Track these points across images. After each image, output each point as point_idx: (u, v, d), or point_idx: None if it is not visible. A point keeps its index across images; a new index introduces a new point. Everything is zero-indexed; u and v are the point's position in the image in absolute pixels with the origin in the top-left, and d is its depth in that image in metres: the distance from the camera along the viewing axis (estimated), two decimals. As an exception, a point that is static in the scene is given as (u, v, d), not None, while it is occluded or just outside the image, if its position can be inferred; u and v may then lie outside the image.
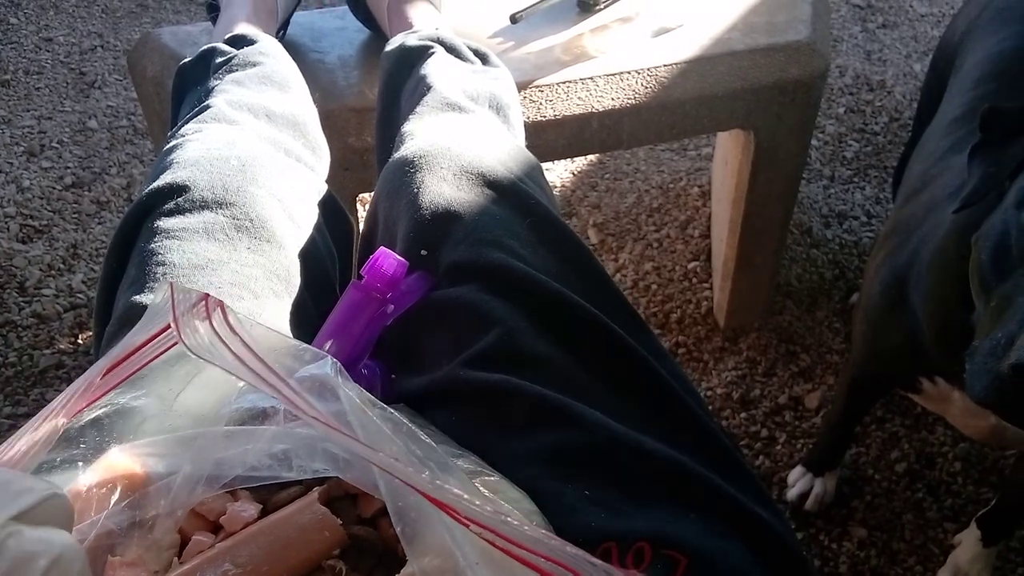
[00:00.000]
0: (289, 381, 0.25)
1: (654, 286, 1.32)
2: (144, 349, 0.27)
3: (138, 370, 0.28)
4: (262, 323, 0.26)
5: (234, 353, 0.25)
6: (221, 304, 0.26)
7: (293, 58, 0.78)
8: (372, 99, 0.88)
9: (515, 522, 0.22)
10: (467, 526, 0.23)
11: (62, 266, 1.33)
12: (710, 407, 1.18)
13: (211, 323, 0.26)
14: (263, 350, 0.25)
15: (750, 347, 1.25)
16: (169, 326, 0.26)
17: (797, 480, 1.07)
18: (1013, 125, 0.65)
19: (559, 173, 1.52)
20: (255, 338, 0.26)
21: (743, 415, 1.17)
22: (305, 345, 0.27)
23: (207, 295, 0.26)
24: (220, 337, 0.25)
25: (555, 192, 1.49)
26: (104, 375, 0.30)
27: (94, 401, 0.30)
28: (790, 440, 1.14)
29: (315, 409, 0.25)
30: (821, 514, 1.07)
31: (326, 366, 0.27)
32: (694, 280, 1.33)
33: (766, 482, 1.11)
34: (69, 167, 1.49)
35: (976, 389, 0.56)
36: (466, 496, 0.22)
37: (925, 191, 0.82)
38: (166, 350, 0.27)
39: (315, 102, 0.77)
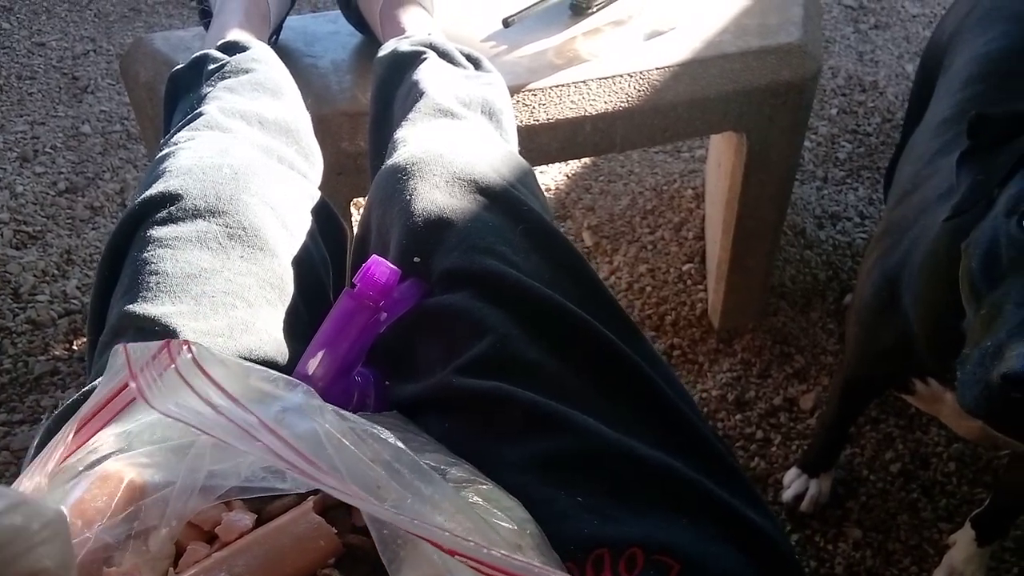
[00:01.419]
0: (265, 423, 0.25)
1: (648, 288, 1.33)
2: (112, 402, 0.27)
3: (110, 420, 0.28)
4: (228, 357, 0.26)
5: (202, 398, 0.25)
6: (187, 343, 0.26)
7: (286, 62, 0.78)
8: (365, 103, 0.89)
9: (498, 554, 0.22)
10: (452, 555, 0.23)
11: (56, 272, 1.33)
12: (705, 409, 1.18)
13: (176, 368, 0.26)
14: (234, 387, 0.25)
15: (744, 349, 1.25)
16: (125, 386, 0.26)
17: (792, 481, 1.08)
18: (1001, 131, 0.65)
19: (553, 176, 1.52)
20: (223, 376, 0.26)
21: (738, 417, 1.17)
22: (277, 374, 0.27)
23: (168, 342, 0.26)
24: (187, 382, 0.25)
25: (549, 195, 1.49)
26: (75, 433, 0.30)
27: (68, 456, 0.30)
28: (785, 441, 1.15)
29: (291, 460, 0.25)
30: (816, 515, 1.07)
31: (298, 395, 0.27)
32: (688, 282, 1.33)
33: (761, 484, 1.11)
34: (62, 172, 1.49)
35: (966, 399, 0.56)
36: (447, 530, 0.22)
37: (916, 193, 0.83)
38: (121, 410, 0.27)
39: (308, 107, 0.78)
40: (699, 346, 1.26)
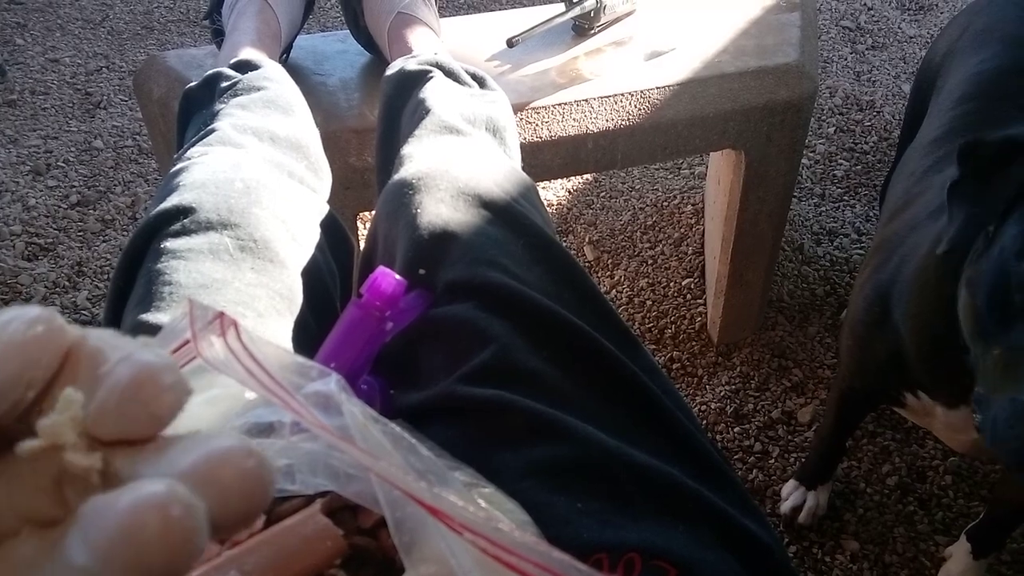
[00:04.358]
0: (296, 396, 0.27)
1: (649, 302, 1.34)
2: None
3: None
4: (271, 342, 0.28)
5: (246, 368, 0.27)
6: (235, 323, 0.28)
7: (296, 80, 0.81)
8: (372, 120, 0.91)
9: (506, 528, 0.23)
10: (460, 534, 0.24)
11: (67, 284, 1.35)
12: (704, 422, 1.19)
13: (225, 340, 0.27)
14: (272, 367, 0.27)
15: (743, 362, 1.27)
16: (186, 342, 0.28)
17: (790, 494, 1.09)
18: (993, 159, 0.62)
19: (555, 191, 1.55)
20: (265, 355, 0.27)
21: (737, 429, 1.18)
22: (311, 362, 0.29)
23: (222, 314, 0.28)
24: (233, 353, 0.27)
25: (552, 210, 1.51)
26: None
27: None
28: (783, 454, 1.16)
29: (321, 422, 0.26)
30: (814, 527, 1.08)
31: (331, 383, 0.29)
32: (688, 296, 1.35)
33: (759, 496, 1.12)
34: (75, 186, 1.51)
35: (1009, 457, 0.55)
36: (460, 503, 0.24)
37: (907, 210, 0.84)
38: (181, 367, 0.29)
39: (317, 123, 0.80)
40: (698, 359, 1.27)
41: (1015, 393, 0.55)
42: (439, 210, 0.56)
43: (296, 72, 1.01)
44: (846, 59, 1.86)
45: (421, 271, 0.53)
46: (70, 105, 1.68)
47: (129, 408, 0.18)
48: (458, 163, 0.61)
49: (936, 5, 2.03)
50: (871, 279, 0.82)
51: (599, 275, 1.39)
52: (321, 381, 0.28)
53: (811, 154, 1.61)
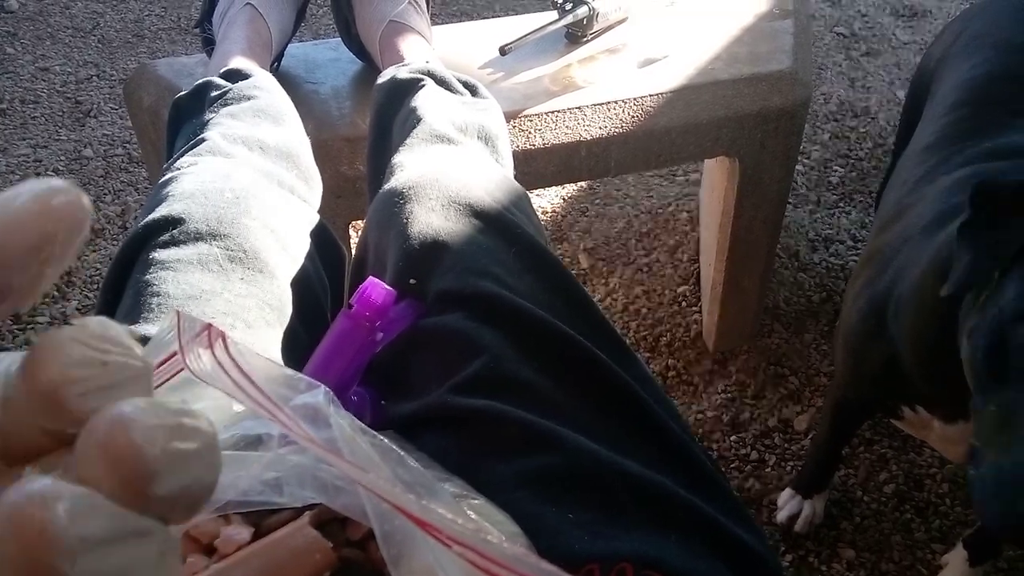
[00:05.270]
0: (284, 408, 0.27)
1: (644, 310, 1.34)
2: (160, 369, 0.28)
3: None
4: (260, 353, 0.28)
5: (234, 381, 0.26)
6: (223, 334, 0.27)
7: (288, 89, 0.80)
8: (364, 129, 0.90)
9: (495, 540, 0.23)
10: (449, 546, 0.24)
11: (56, 293, 1.34)
12: (700, 430, 1.19)
13: (213, 352, 0.27)
14: (260, 379, 0.26)
15: (739, 370, 1.26)
16: (174, 354, 0.27)
17: (787, 502, 1.08)
18: (1008, 202, 0.61)
19: (550, 199, 1.54)
20: (253, 367, 0.27)
21: (733, 438, 1.18)
22: (300, 375, 0.29)
23: (210, 325, 0.27)
24: (221, 365, 0.27)
25: (545, 217, 1.51)
26: None
27: None
28: (780, 462, 1.15)
29: (309, 434, 0.26)
30: (810, 536, 1.08)
31: (319, 395, 0.28)
32: (683, 304, 1.35)
33: (756, 504, 1.11)
34: (65, 195, 1.50)
35: (992, 520, 0.56)
36: (449, 516, 0.24)
37: (899, 220, 0.84)
38: (168, 379, 0.28)
39: (309, 132, 0.79)
40: (694, 367, 1.27)
41: (1004, 457, 0.56)
42: (430, 219, 0.55)
43: (288, 80, 1.00)
44: (840, 65, 1.86)
45: (412, 281, 0.53)
46: (60, 114, 1.68)
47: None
48: (449, 172, 0.60)
49: (930, 11, 2.04)
50: (865, 291, 0.82)
51: (594, 283, 1.39)
52: (309, 393, 0.28)
53: (806, 160, 1.61)
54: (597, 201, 1.54)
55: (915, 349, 0.73)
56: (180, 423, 0.17)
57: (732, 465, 1.15)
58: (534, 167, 1.01)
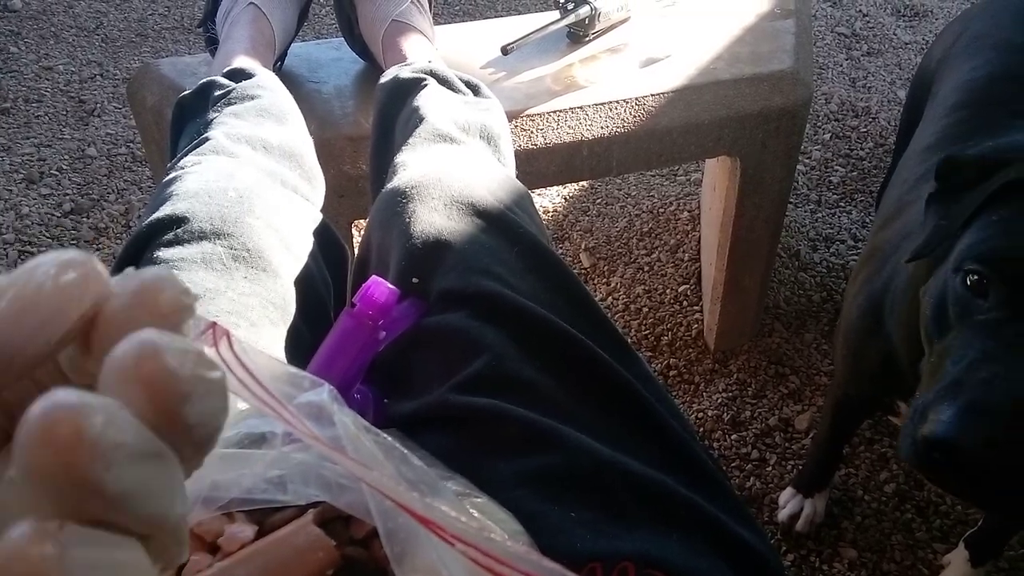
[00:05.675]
0: (288, 406, 0.27)
1: (645, 309, 1.34)
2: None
3: None
4: (263, 351, 0.28)
5: (238, 379, 0.27)
6: (227, 332, 0.27)
7: (291, 88, 0.81)
8: (367, 128, 0.91)
9: (498, 538, 0.23)
10: (452, 544, 0.24)
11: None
12: (701, 429, 1.19)
13: (217, 350, 0.27)
14: (264, 377, 0.27)
15: (740, 369, 1.26)
16: None
17: (787, 501, 1.08)
18: (968, 175, 0.65)
19: (551, 198, 1.55)
20: (258, 366, 0.27)
21: (734, 437, 1.18)
22: (304, 373, 0.29)
23: (214, 323, 0.27)
24: (226, 363, 0.27)
25: (547, 217, 1.51)
26: None
27: None
28: (780, 461, 1.16)
29: (313, 432, 0.26)
30: (812, 535, 1.08)
31: (323, 393, 0.28)
32: (684, 303, 1.35)
33: (757, 504, 1.12)
34: (68, 194, 1.51)
35: (902, 448, 0.58)
36: (452, 514, 0.24)
37: (899, 218, 0.84)
38: None
39: (312, 131, 0.80)
40: (695, 366, 1.27)
41: (925, 396, 0.57)
42: (432, 219, 0.56)
43: (291, 80, 1.01)
44: (841, 65, 1.86)
45: (414, 280, 0.53)
46: (64, 113, 1.68)
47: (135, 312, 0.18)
48: (452, 171, 0.61)
49: (931, 11, 2.04)
50: (864, 288, 0.82)
51: (595, 282, 1.39)
52: (313, 392, 0.28)
53: (807, 160, 1.62)
54: (599, 200, 1.54)
55: (908, 341, 0.74)
56: (203, 352, 0.17)
57: (733, 464, 1.15)
58: (536, 166, 1.01)
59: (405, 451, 0.29)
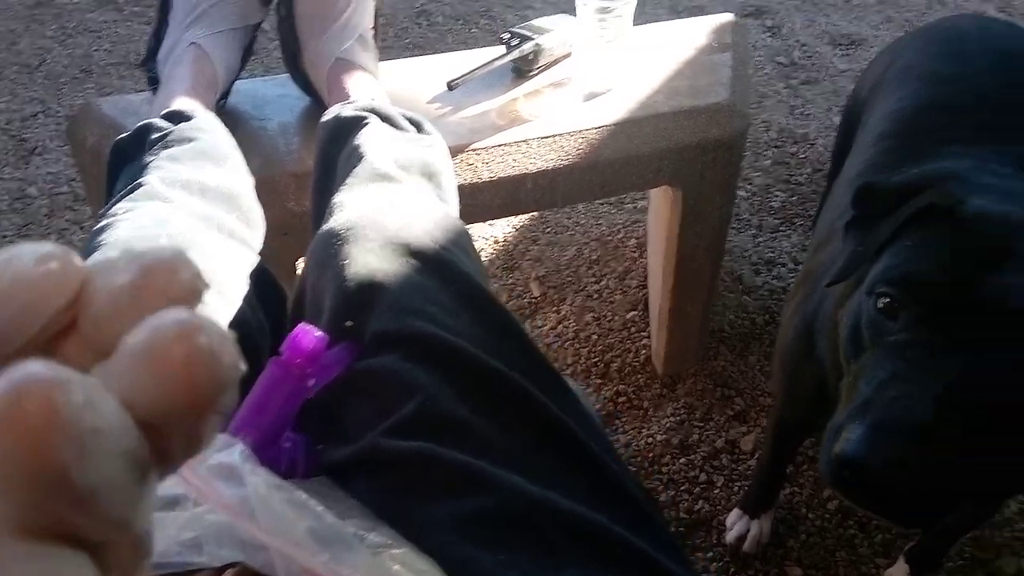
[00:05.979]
0: (198, 469, 0.27)
1: (594, 337, 1.36)
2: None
3: None
4: None
5: None
6: None
7: (235, 125, 0.81)
8: (311, 165, 0.91)
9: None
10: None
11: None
12: (650, 454, 1.21)
13: None
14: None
15: (687, 393, 1.29)
16: None
17: (735, 523, 1.10)
18: (885, 203, 0.68)
19: (502, 228, 1.56)
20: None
21: (682, 460, 1.20)
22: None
23: None
24: None
25: (497, 247, 1.52)
26: None
27: None
28: (728, 483, 1.18)
29: (221, 498, 0.26)
30: (759, 555, 1.10)
31: (235, 453, 0.29)
32: (632, 329, 1.37)
33: (705, 526, 1.13)
34: (7, 235, 1.47)
35: (821, 466, 0.59)
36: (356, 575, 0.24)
37: (831, 242, 0.87)
38: None
39: (256, 168, 0.79)
40: (644, 392, 1.29)
41: (839, 417, 0.59)
42: (367, 260, 0.56)
43: (235, 116, 1.01)
44: (781, 94, 1.93)
45: (348, 323, 0.53)
46: (4, 152, 1.65)
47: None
48: (388, 212, 0.61)
49: (866, 40, 2.13)
50: (799, 310, 0.85)
51: (545, 311, 1.41)
52: (225, 452, 0.29)
53: (748, 186, 1.66)
54: (548, 230, 1.56)
55: (835, 366, 0.76)
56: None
57: (682, 488, 1.17)
58: (481, 200, 1.03)
59: (319, 508, 0.29)
